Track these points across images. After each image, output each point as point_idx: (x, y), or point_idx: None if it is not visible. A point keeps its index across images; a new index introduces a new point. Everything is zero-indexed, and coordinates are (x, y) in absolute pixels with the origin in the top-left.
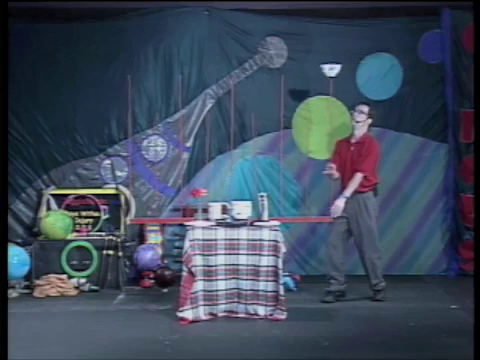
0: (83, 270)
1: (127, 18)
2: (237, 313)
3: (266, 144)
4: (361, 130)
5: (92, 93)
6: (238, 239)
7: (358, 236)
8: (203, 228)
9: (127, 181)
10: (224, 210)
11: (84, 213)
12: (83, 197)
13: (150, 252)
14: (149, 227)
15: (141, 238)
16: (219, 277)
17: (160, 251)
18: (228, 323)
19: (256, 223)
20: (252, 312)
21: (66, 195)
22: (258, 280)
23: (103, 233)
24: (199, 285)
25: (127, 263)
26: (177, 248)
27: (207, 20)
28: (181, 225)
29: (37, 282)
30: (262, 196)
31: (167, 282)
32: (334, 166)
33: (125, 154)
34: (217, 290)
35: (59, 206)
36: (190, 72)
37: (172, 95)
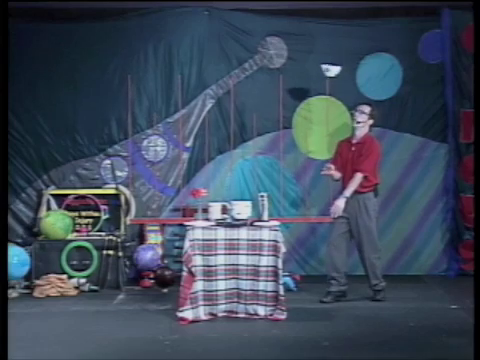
0: (83, 270)
1: (127, 18)
2: (237, 313)
3: (266, 144)
4: (362, 130)
5: (92, 93)
6: (238, 239)
7: (358, 236)
8: (203, 228)
9: (127, 181)
10: (224, 210)
11: (84, 213)
12: (83, 197)
13: (150, 252)
14: (149, 227)
15: (141, 238)
16: (219, 277)
17: (160, 251)
18: (228, 323)
19: (256, 223)
20: (252, 312)
21: (66, 195)
22: (258, 280)
23: (103, 233)
24: (199, 285)
25: (127, 263)
26: (177, 248)
27: (207, 20)
28: (181, 225)
29: (37, 282)
30: (262, 196)
31: (167, 282)
32: (332, 166)
33: (125, 154)
34: (217, 290)
35: (59, 206)
36: (190, 72)
37: (172, 95)
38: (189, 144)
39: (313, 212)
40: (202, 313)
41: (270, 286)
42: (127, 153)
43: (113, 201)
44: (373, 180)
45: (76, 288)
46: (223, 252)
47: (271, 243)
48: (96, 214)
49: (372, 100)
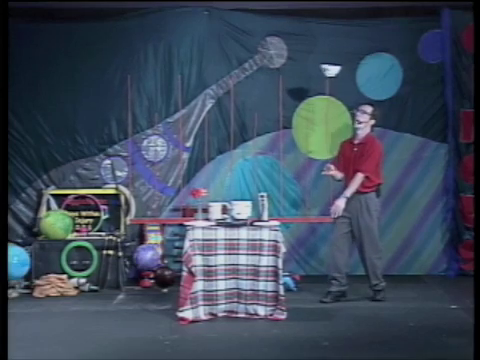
0: (83, 270)
1: (127, 18)
2: (237, 313)
3: (266, 144)
4: (364, 131)
5: (92, 93)
6: (238, 239)
7: (359, 236)
8: (203, 228)
9: (127, 181)
10: (224, 210)
11: (84, 213)
12: (83, 197)
13: (150, 252)
14: (149, 227)
15: (141, 238)
16: (219, 277)
17: (160, 251)
18: (228, 323)
19: (256, 223)
20: (252, 312)
21: (66, 195)
22: (258, 280)
23: (103, 233)
24: (199, 285)
25: (127, 263)
26: (177, 248)
27: (207, 20)
28: (181, 225)
29: (37, 282)
30: (262, 196)
31: (167, 282)
32: (332, 167)
33: (125, 154)
34: (217, 290)
35: (59, 206)
36: (190, 72)
37: (172, 95)
38: (189, 144)
39: (313, 212)
40: (202, 313)
41: (270, 286)
42: (127, 153)
43: (113, 201)
44: (375, 180)
45: (76, 288)
46: (223, 252)
47: (271, 243)
48: (96, 214)
49: (372, 100)
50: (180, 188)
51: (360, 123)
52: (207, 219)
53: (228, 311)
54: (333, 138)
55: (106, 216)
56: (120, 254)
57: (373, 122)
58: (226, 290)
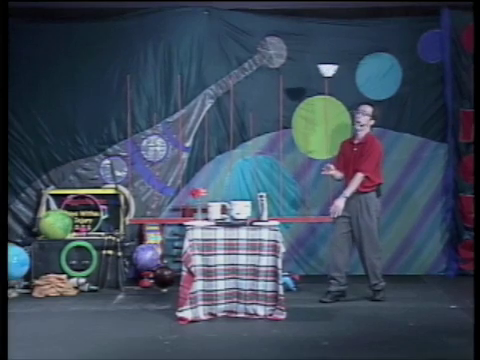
0: (82, 270)
1: (127, 18)
2: (236, 313)
3: (265, 144)
4: (364, 131)
5: (92, 93)
6: (237, 239)
7: (358, 236)
8: (202, 228)
9: (126, 181)
10: (223, 210)
11: (83, 213)
12: (82, 197)
13: (149, 252)
14: (148, 227)
15: (140, 238)
16: (218, 277)
17: (159, 251)
18: (227, 323)
19: (255, 223)
20: (251, 312)
21: (65, 195)
22: (257, 280)
23: (102, 233)
24: (198, 285)
25: (126, 263)
26: (176, 248)
27: (207, 20)
28: (180, 225)
29: (36, 282)
30: (261, 196)
31: (166, 282)
32: (332, 166)
33: (124, 154)
34: (216, 290)
35: (58, 206)
36: (189, 72)
37: (171, 95)
38: (188, 144)
39: (313, 212)
40: (201, 313)
41: (270, 286)
42: (126, 153)
43: (112, 201)
44: (375, 180)
45: (75, 288)
46: (222, 252)
47: (271, 243)
48: (95, 214)
49: (371, 100)
50: (179, 188)
51: (362, 125)
52: (206, 219)
53: (228, 311)
54: (333, 138)
55: (105, 216)
56: (119, 254)
57: (373, 122)
58: (226, 290)
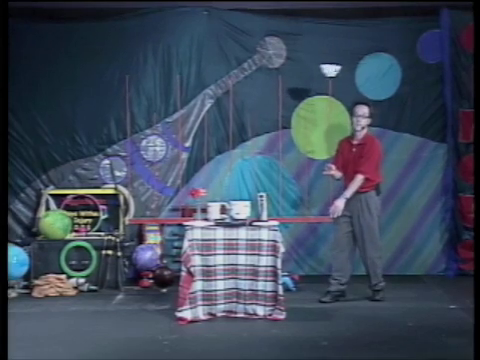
0: (82, 270)
1: (126, 18)
2: (236, 313)
3: (265, 144)
4: (363, 131)
5: (91, 93)
6: (237, 239)
7: (359, 235)
8: (202, 228)
9: (126, 181)
10: (223, 210)
11: (83, 213)
12: (82, 197)
13: (149, 252)
14: (148, 227)
15: (140, 238)
16: (218, 277)
17: (159, 251)
18: (227, 323)
19: (255, 223)
20: (251, 312)
21: (65, 195)
22: (257, 280)
23: (102, 233)
24: (198, 285)
25: (126, 263)
26: (176, 248)
27: (206, 20)
28: (180, 225)
29: (36, 282)
30: (261, 196)
31: (166, 282)
32: (333, 167)
33: (124, 154)
34: (216, 290)
35: (58, 206)
36: (189, 72)
37: (171, 95)
38: (188, 144)
39: (312, 212)
40: (201, 313)
41: (269, 286)
42: (126, 153)
43: (112, 201)
44: (375, 179)
45: (75, 288)
46: (222, 252)
47: (270, 243)
48: (95, 214)
49: (371, 100)
50: (179, 188)
51: (363, 128)
52: (206, 219)
53: (227, 311)
54: (332, 138)
55: (105, 216)
56: (119, 254)
57: (370, 121)
58: (225, 290)
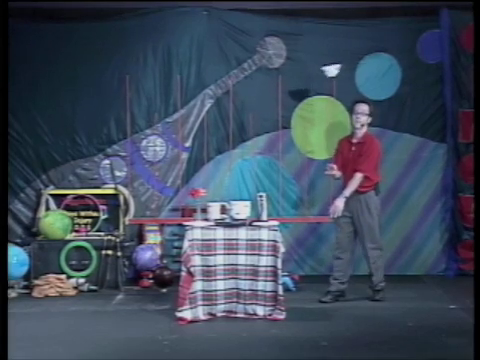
0: (82, 270)
1: (126, 18)
2: (236, 313)
3: (265, 144)
4: (362, 129)
5: (91, 93)
6: (237, 239)
7: (360, 235)
8: (202, 228)
9: (126, 181)
10: (223, 210)
11: (83, 213)
12: (82, 197)
13: (149, 252)
14: (148, 227)
15: (140, 238)
16: (218, 277)
17: (159, 251)
18: (227, 323)
19: (255, 223)
20: (251, 312)
21: (65, 195)
22: (257, 280)
23: (102, 233)
24: (198, 285)
25: (126, 263)
26: (176, 248)
27: (206, 20)
28: (180, 225)
29: (36, 282)
30: (261, 196)
31: (166, 282)
32: (335, 166)
33: (124, 154)
34: (216, 290)
35: (58, 206)
36: (189, 72)
37: (171, 95)
38: (188, 144)
39: (312, 212)
40: (201, 313)
41: (269, 286)
42: (126, 153)
43: (112, 201)
44: (374, 179)
45: (75, 288)
46: (222, 252)
47: (270, 243)
48: (95, 214)
49: (371, 100)
50: (179, 188)
51: (362, 125)
52: (206, 219)
53: (227, 311)
54: (332, 138)
55: (105, 216)
56: (119, 254)
57: (370, 120)
58: (225, 290)
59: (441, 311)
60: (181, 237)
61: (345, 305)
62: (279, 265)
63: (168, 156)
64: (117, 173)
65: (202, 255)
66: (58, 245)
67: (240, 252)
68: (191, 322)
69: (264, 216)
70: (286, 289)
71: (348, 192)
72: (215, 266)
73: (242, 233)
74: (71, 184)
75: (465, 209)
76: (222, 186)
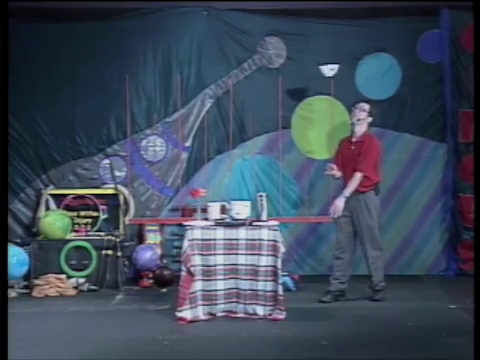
0: (82, 270)
1: (126, 18)
2: (236, 313)
3: (265, 144)
4: (361, 128)
5: (91, 93)
6: (237, 239)
7: (360, 235)
8: (202, 228)
9: (126, 181)
10: (223, 210)
11: (83, 213)
12: (82, 197)
13: (149, 252)
14: (148, 227)
15: (140, 238)
16: (218, 277)
17: (159, 251)
18: (227, 323)
19: (255, 223)
20: (251, 312)
21: (65, 195)
22: (257, 280)
23: (102, 233)
24: (198, 285)
25: (126, 263)
26: (176, 248)
27: (206, 20)
28: (180, 225)
29: (36, 282)
30: (261, 196)
31: (166, 282)
32: (335, 166)
33: (124, 154)
34: (216, 290)
35: (58, 206)
36: (189, 72)
37: (171, 95)
38: (188, 144)
39: (312, 212)
40: (201, 313)
41: (269, 286)
42: (126, 153)
43: (112, 201)
44: (374, 178)
45: (75, 288)
46: (222, 252)
47: (270, 243)
48: (95, 214)
49: (371, 100)
50: (179, 188)
51: (358, 120)
52: (206, 219)
53: (227, 311)
54: (332, 138)
55: (105, 216)
56: (119, 254)
57: (370, 119)
58: (225, 290)
59: (441, 311)
60: (181, 237)
61: (345, 305)
62: (279, 265)
63: (168, 156)
64: (117, 173)
65: (202, 255)
66: (58, 245)
67: (240, 252)
68: (191, 322)
69: (264, 216)
70: (286, 289)
71: (348, 192)
72: (215, 266)
73: (242, 233)
74: (71, 184)
75: (465, 209)
76: (222, 186)
